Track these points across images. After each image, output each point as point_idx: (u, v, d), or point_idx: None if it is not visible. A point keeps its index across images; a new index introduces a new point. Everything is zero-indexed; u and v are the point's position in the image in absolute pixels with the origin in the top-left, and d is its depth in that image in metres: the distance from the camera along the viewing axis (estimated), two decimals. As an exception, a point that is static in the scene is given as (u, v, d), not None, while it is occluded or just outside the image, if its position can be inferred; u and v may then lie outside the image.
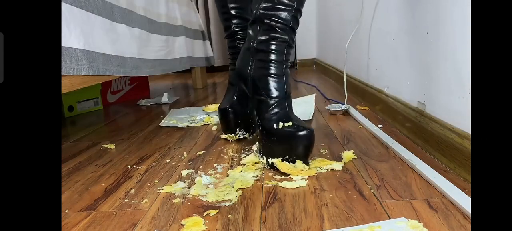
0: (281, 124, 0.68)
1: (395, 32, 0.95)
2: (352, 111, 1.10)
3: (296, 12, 0.72)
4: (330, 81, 1.88)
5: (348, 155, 0.72)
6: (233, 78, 0.93)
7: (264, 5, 0.72)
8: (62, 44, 0.73)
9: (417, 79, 0.82)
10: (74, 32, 0.77)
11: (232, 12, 0.91)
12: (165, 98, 1.55)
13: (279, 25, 0.72)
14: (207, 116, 1.17)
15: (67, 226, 0.52)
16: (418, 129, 0.79)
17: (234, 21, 0.92)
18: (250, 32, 0.77)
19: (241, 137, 0.90)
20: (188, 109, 1.33)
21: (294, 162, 0.66)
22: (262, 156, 0.70)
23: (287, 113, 0.71)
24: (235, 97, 0.89)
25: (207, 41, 1.99)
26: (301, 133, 0.65)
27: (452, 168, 0.64)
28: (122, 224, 0.52)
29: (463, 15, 0.61)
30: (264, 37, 0.73)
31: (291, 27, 0.73)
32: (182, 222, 0.51)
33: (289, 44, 0.74)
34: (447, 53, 0.68)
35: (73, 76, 0.78)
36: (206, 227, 0.50)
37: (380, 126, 0.94)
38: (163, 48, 1.36)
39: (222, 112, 0.88)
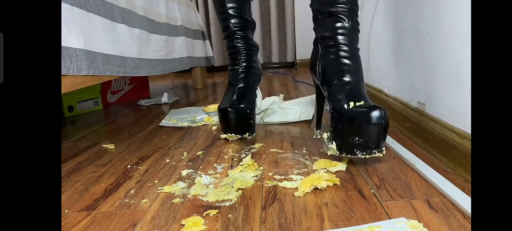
0: (352, 104, 0.65)
1: (395, 32, 0.95)
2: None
3: None
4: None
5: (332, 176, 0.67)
6: (233, 78, 0.93)
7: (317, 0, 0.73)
8: (62, 44, 0.73)
9: (417, 79, 0.82)
10: (74, 32, 0.77)
11: (230, 11, 0.91)
12: (165, 98, 1.55)
13: (338, 9, 0.70)
14: (207, 115, 1.17)
15: (67, 226, 0.52)
16: (418, 129, 0.79)
17: (232, 20, 0.92)
18: (315, 28, 0.78)
19: (241, 137, 0.90)
20: (188, 109, 1.33)
21: (366, 147, 0.62)
22: (332, 142, 0.67)
23: (360, 93, 0.67)
24: (234, 97, 0.89)
25: (207, 41, 1.99)
26: (373, 113, 0.61)
27: (452, 168, 0.64)
28: (122, 224, 0.52)
29: (463, 15, 0.61)
30: (326, 26, 0.73)
31: (351, 8, 0.71)
32: (182, 222, 0.51)
33: (353, 26, 0.71)
34: (447, 53, 0.68)
35: (73, 76, 0.78)
36: (206, 227, 0.50)
37: (380, 126, 0.94)
38: (163, 48, 1.36)
39: (221, 112, 0.88)
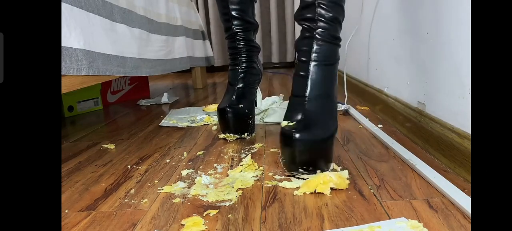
0: (285, 122, 0.64)
1: (395, 32, 0.95)
2: (352, 111, 1.10)
3: (321, 6, 0.66)
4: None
5: (341, 180, 0.61)
6: (233, 78, 0.93)
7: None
8: (62, 44, 0.73)
9: (417, 79, 0.82)
10: (74, 32, 0.77)
11: (233, 13, 0.91)
12: (165, 98, 1.55)
13: (306, 23, 0.68)
14: (207, 115, 1.17)
15: (67, 226, 0.52)
16: (418, 129, 0.79)
17: (235, 22, 0.92)
18: None
19: (240, 137, 0.90)
20: (188, 109, 1.33)
21: (285, 166, 0.64)
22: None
23: (298, 111, 0.65)
24: (234, 97, 0.89)
25: (207, 41, 1.99)
26: (287, 135, 0.61)
27: (452, 168, 0.64)
28: (122, 224, 0.52)
29: (463, 15, 0.61)
30: (299, 38, 0.70)
31: (319, 20, 0.66)
32: (182, 222, 0.51)
33: (320, 38, 0.66)
34: (447, 53, 0.68)
35: (73, 76, 0.78)
36: (206, 227, 0.50)
37: (380, 126, 0.94)
38: (163, 48, 1.36)
39: (220, 112, 0.89)
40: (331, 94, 0.67)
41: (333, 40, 0.67)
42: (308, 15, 0.67)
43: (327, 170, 0.63)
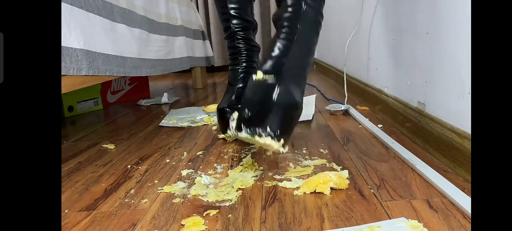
0: (260, 74, 0.61)
1: (395, 32, 0.95)
2: (352, 111, 1.10)
3: None
4: (330, 81, 1.88)
5: (341, 180, 0.60)
6: (232, 78, 0.93)
7: None
8: (62, 44, 0.73)
9: (417, 79, 0.82)
10: (74, 32, 0.77)
11: (232, 12, 0.91)
12: (165, 98, 1.55)
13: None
14: (207, 115, 1.17)
15: (67, 226, 0.52)
16: (418, 129, 0.79)
17: (234, 21, 0.92)
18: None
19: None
20: (188, 109, 1.33)
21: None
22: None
23: (273, 66, 0.62)
24: (233, 97, 0.89)
25: (207, 41, 1.99)
26: (270, 83, 0.58)
27: (452, 168, 0.64)
28: (122, 224, 0.52)
29: (463, 15, 0.61)
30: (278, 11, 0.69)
31: None
32: (182, 222, 0.51)
33: (297, 11, 0.65)
34: (447, 53, 0.68)
35: (73, 76, 0.78)
36: (206, 227, 0.50)
37: (380, 126, 0.94)
38: (163, 48, 1.36)
39: (220, 112, 0.89)
40: (304, 71, 0.65)
41: (318, 15, 0.66)
42: None
43: (285, 149, 0.60)
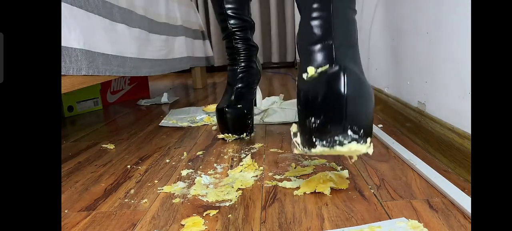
0: (311, 70, 0.49)
1: (395, 32, 0.95)
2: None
3: None
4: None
5: (341, 180, 0.59)
6: (231, 78, 0.93)
7: None
8: (62, 44, 0.73)
9: (417, 79, 0.82)
10: (74, 32, 0.77)
11: (228, 12, 0.91)
12: (165, 98, 1.55)
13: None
14: (207, 115, 1.17)
15: (67, 226, 0.52)
16: (418, 129, 0.79)
17: (231, 21, 0.92)
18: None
19: (238, 137, 0.90)
20: (188, 109, 1.33)
21: (324, 132, 0.45)
22: (297, 135, 0.52)
23: (328, 54, 0.49)
24: (232, 98, 0.89)
25: (207, 41, 1.99)
26: (332, 78, 0.44)
27: (452, 168, 0.64)
28: (122, 224, 0.52)
29: (463, 15, 0.61)
30: None
31: None
32: (182, 222, 0.51)
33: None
34: (447, 53, 0.68)
35: (73, 76, 0.78)
36: (206, 227, 0.50)
37: (380, 126, 0.94)
38: (163, 48, 1.36)
39: (219, 112, 0.89)
40: (357, 51, 0.52)
41: (352, 5, 0.53)
42: None
43: (371, 138, 0.47)
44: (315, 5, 0.52)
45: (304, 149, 0.48)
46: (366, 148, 0.45)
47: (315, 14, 0.51)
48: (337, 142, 0.44)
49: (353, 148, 0.44)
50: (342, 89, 0.43)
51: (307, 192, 0.58)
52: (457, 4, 0.63)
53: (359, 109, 0.44)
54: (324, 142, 0.45)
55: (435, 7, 0.72)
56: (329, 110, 0.44)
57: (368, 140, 0.45)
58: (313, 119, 0.45)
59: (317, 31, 0.50)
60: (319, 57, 0.48)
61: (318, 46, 0.49)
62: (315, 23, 0.51)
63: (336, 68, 0.44)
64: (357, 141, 0.44)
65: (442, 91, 0.70)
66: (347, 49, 0.49)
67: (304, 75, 0.48)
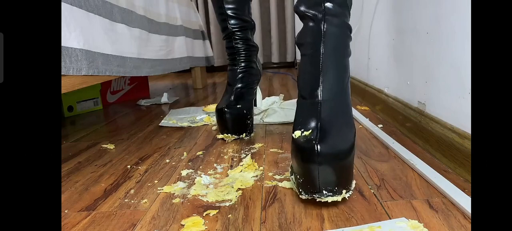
0: (298, 133, 0.53)
1: (395, 32, 0.95)
2: (352, 111, 1.10)
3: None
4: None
5: None
6: (231, 78, 0.93)
7: None
8: (62, 44, 0.73)
9: (417, 79, 0.82)
10: (74, 32, 0.77)
11: (229, 12, 0.91)
12: (165, 98, 1.55)
13: (307, 13, 0.57)
14: (207, 115, 1.17)
15: (67, 226, 0.52)
16: (418, 129, 0.79)
17: (231, 21, 0.92)
18: None
19: (238, 137, 0.90)
20: (188, 109, 1.33)
21: (306, 189, 0.51)
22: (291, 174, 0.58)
23: (312, 116, 0.52)
24: (232, 98, 0.89)
25: (207, 41, 1.99)
26: (308, 147, 0.49)
27: (452, 168, 0.64)
28: (122, 224, 0.52)
29: (463, 15, 0.61)
30: (301, 30, 0.60)
31: (322, 8, 0.56)
32: (182, 222, 0.51)
33: (321, 27, 0.55)
34: (447, 53, 0.68)
35: (73, 76, 0.78)
36: (206, 227, 0.50)
37: (380, 126, 0.94)
38: (163, 48, 1.36)
39: (218, 112, 0.89)
40: (346, 93, 0.55)
41: (344, 30, 0.56)
42: (313, 0, 0.56)
43: (351, 190, 0.53)
44: (306, 60, 0.56)
45: (298, 190, 0.54)
46: (342, 197, 0.51)
47: (306, 69, 0.56)
48: (316, 197, 0.51)
49: (329, 200, 0.51)
50: (315, 166, 0.49)
51: None
52: (457, 4, 0.63)
53: (332, 175, 0.50)
54: (307, 195, 0.52)
55: (435, 7, 0.72)
56: (306, 177, 0.51)
57: (344, 191, 0.51)
58: (298, 176, 0.52)
59: (304, 85, 0.56)
60: (305, 116, 0.53)
61: (307, 102, 0.54)
62: (304, 77, 0.56)
63: (313, 142, 0.49)
64: (333, 195, 0.51)
65: (442, 91, 0.70)
66: (333, 101, 0.53)
67: (293, 135, 0.53)
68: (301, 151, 0.50)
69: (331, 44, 0.55)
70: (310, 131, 0.51)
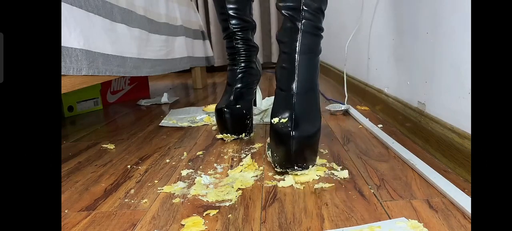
0: (276, 119, 0.64)
1: (395, 32, 0.95)
2: (352, 111, 1.10)
3: None
4: (330, 81, 1.88)
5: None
6: (231, 78, 0.93)
7: None
8: (62, 44, 0.73)
9: (417, 79, 0.82)
10: (74, 32, 0.77)
11: (230, 12, 0.91)
12: (165, 98, 1.55)
13: (289, 12, 0.66)
14: (207, 115, 1.17)
15: (67, 226, 0.52)
16: (418, 129, 0.79)
17: (232, 21, 0.92)
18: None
19: (237, 137, 0.90)
20: (188, 109, 1.33)
21: (281, 164, 0.64)
22: (269, 150, 0.68)
23: (287, 106, 0.64)
24: (232, 98, 0.89)
25: (207, 41, 1.99)
26: (283, 133, 0.61)
27: (452, 168, 0.64)
28: (122, 224, 0.52)
29: (463, 15, 0.61)
30: (281, 28, 0.69)
31: (304, 9, 0.65)
32: (182, 222, 0.51)
33: (305, 30, 0.66)
34: (447, 53, 0.68)
35: (73, 76, 0.78)
36: (206, 227, 0.50)
37: (380, 126, 0.94)
38: (163, 48, 1.36)
39: (218, 112, 0.89)
40: (315, 87, 0.67)
41: (316, 32, 0.67)
42: (292, 4, 0.65)
43: (315, 164, 0.67)
44: (284, 57, 0.67)
45: (273, 164, 0.66)
46: (309, 171, 0.65)
47: (283, 65, 0.67)
48: (288, 171, 0.65)
49: (299, 173, 0.65)
50: (290, 148, 0.61)
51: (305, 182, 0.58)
52: (457, 4, 0.63)
53: (302, 155, 0.63)
54: (280, 168, 0.65)
55: (435, 7, 0.72)
56: (282, 154, 0.63)
57: (310, 166, 0.65)
58: (274, 153, 0.65)
59: (282, 79, 0.67)
60: (282, 105, 0.65)
61: (283, 94, 0.66)
62: (281, 72, 0.67)
63: (288, 128, 0.61)
64: (302, 169, 0.64)
65: (442, 91, 0.70)
66: (306, 94, 0.65)
67: (272, 120, 0.64)
68: (279, 135, 0.62)
69: (305, 46, 0.66)
70: (287, 119, 0.63)
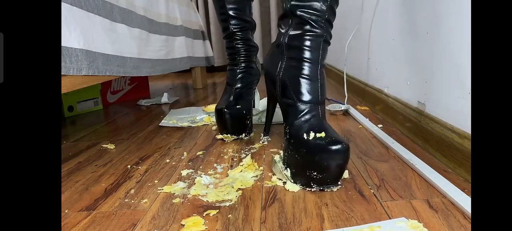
0: (312, 134, 0.58)
1: (395, 32, 0.95)
2: (352, 111, 1.10)
3: (332, 2, 0.64)
4: (330, 81, 1.88)
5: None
6: (231, 78, 0.93)
7: None
8: (62, 44, 0.73)
9: (417, 79, 0.82)
10: (74, 32, 0.77)
11: (230, 13, 0.91)
12: (165, 98, 1.55)
13: (313, 17, 0.64)
14: (207, 115, 1.17)
15: (67, 226, 0.52)
16: (418, 129, 0.79)
17: (232, 22, 0.91)
18: (281, 27, 0.71)
19: (237, 137, 0.90)
20: (188, 109, 1.33)
21: (323, 182, 0.57)
22: (286, 168, 0.62)
23: (320, 122, 0.61)
24: (231, 98, 0.89)
25: (207, 41, 1.99)
26: (335, 148, 0.55)
27: (452, 168, 0.64)
28: (122, 224, 0.52)
29: (463, 15, 0.61)
30: (296, 32, 0.66)
31: (327, 19, 0.65)
32: (182, 222, 0.51)
33: (326, 39, 0.66)
34: (447, 53, 0.68)
35: (73, 76, 0.78)
36: (206, 227, 0.50)
37: (380, 126, 0.94)
38: (163, 48, 1.36)
39: (218, 112, 0.89)
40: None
41: (329, 41, 0.68)
42: (317, 12, 0.64)
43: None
44: (307, 66, 0.65)
45: (296, 183, 0.61)
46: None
47: (307, 71, 0.65)
48: (329, 188, 0.59)
49: (335, 189, 0.59)
50: (344, 160, 0.57)
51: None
52: (457, 4, 0.63)
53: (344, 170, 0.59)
54: (320, 187, 0.58)
55: (435, 7, 0.72)
56: (331, 173, 0.57)
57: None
58: (315, 172, 0.57)
59: (309, 92, 0.64)
60: (314, 123, 0.61)
61: (310, 111, 0.63)
62: (307, 81, 0.65)
63: (340, 145, 0.56)
64: (338, 186, 0.59)
65: (442, 91, 0.70)
66: (323, 104, 0.65)
67: (305, 136, 0.59)
68: (327, 151, 0.56)
69: (323, 55, 0.67)
70: (323, 133, 0.59)
